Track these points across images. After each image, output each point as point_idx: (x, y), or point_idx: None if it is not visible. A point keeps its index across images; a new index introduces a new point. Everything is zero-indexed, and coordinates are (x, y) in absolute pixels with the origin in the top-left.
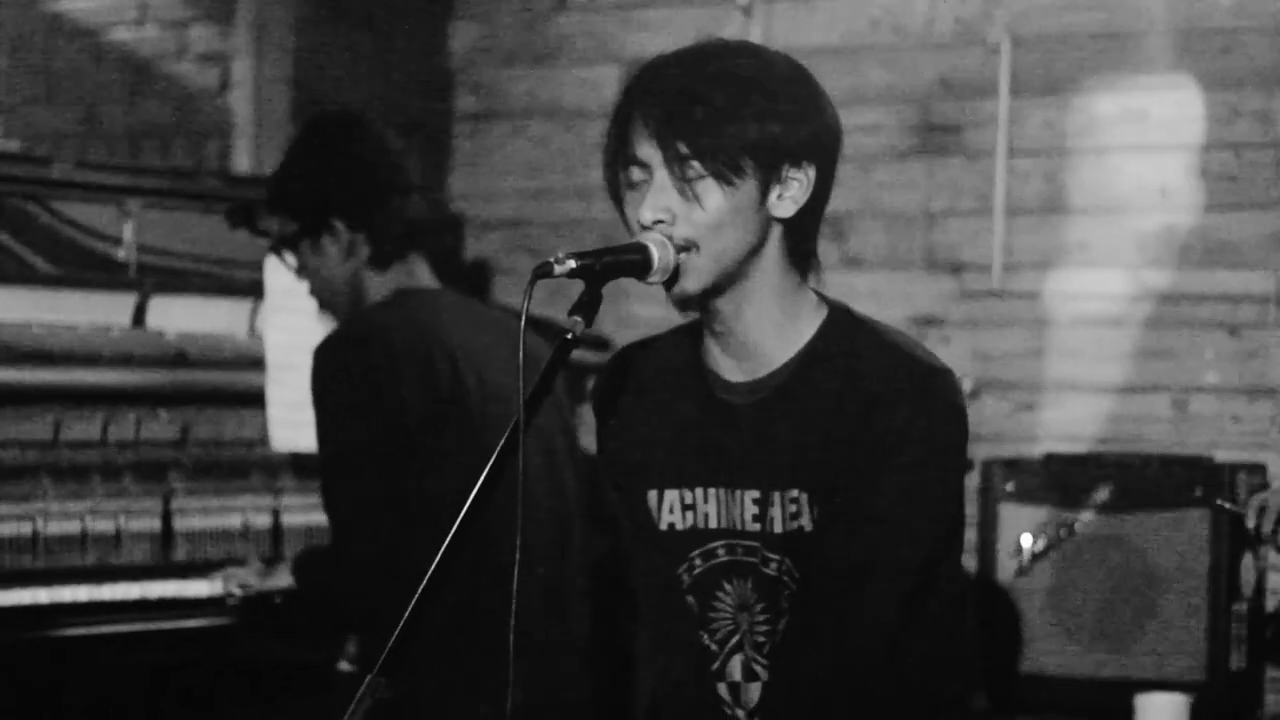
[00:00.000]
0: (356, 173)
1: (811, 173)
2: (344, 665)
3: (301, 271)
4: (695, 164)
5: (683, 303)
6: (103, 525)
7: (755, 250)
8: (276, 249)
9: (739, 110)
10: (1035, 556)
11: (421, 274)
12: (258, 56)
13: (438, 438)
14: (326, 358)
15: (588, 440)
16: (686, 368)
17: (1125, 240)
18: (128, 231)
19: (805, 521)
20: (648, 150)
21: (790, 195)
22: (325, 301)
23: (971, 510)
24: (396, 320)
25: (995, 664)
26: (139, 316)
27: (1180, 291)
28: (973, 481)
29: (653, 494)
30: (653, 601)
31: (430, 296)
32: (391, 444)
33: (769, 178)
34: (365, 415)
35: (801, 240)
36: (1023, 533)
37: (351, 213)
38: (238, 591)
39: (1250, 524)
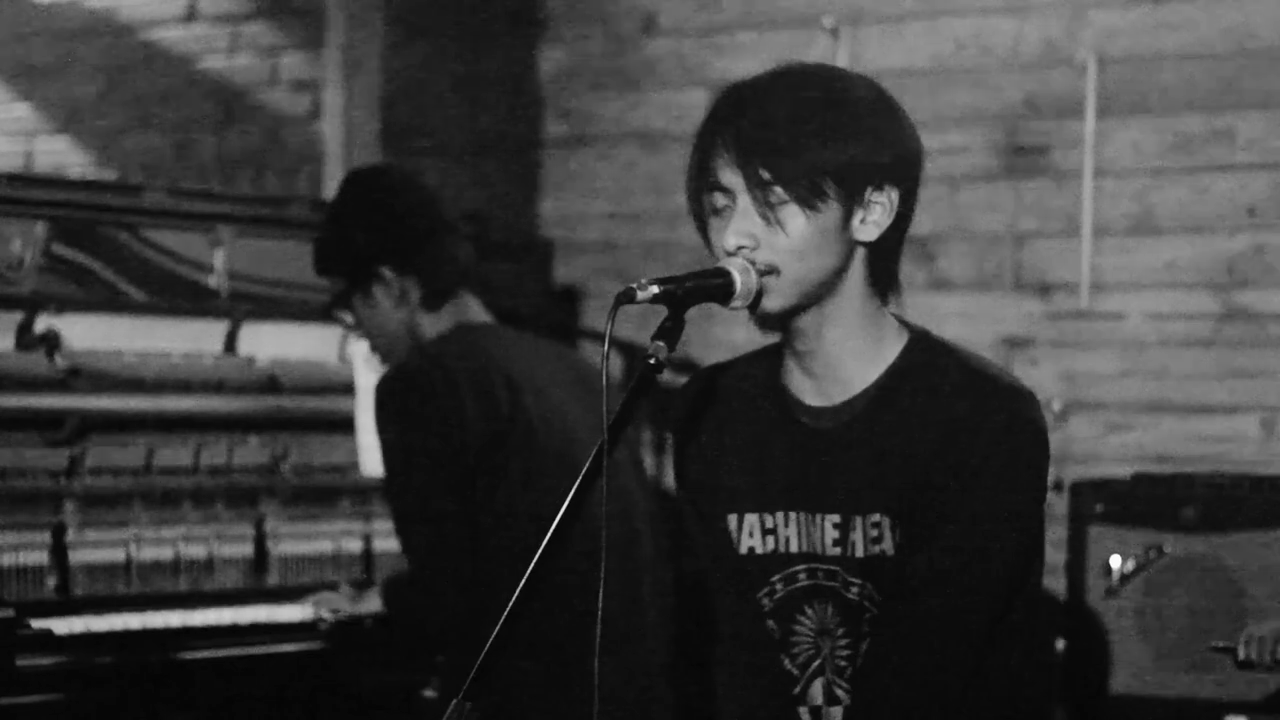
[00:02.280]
0: (394, 218)
1: (894, 196)
2: (429, 692)
3: (359, 327)
4: (777, 189)
5: (764, 322)
6: (195, 551)
7: (838, 274)
8: (331, 310)
9: (820, 134)
10: (1124, 577)
11: (475, 310)
12: (348, 84)
13: (500, 462)
14: (388, 391)
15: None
16: (766, 391)
17: (1213, 260)
18: (219, 259)
19: (887, 546)
20: (730, 176)
21: (873, 219)
22: (387, 353)
23: (1061, 532)
24: (454, 350)
25: (1084, 685)
26: (230, 343)
27: (1268, 311)
28: (1062, 503)
29: (732, 517)
30: (733, 626)
31: (486, 330)
32: (456, 470)
33: (851, 201)
34: (429, 444)
35: (884, 263)
36: (1112, 554)
37: (397, 257)
38: (329, 616)
39: (1241, 656)
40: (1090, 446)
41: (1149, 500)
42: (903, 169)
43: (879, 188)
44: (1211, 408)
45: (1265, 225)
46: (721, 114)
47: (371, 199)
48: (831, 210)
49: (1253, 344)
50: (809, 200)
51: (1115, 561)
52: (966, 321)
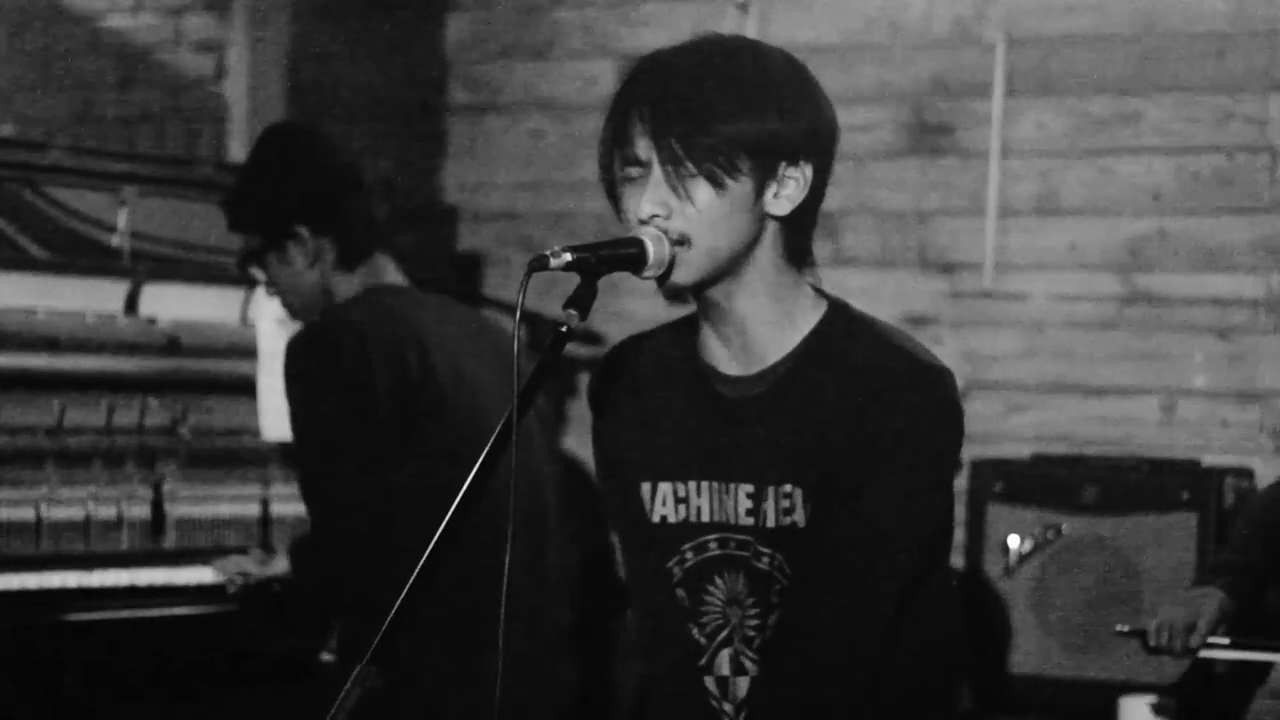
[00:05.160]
0: (313, 176)
1: (808, 171)
2: (325, 655)
3: (271, 285)
4: (689, 163)
5: (673, 294)
6: (93, 512)
7: (749, 246)
8: (244, 265)
9: (735, 108)
10: (1022, 557)
11: (389, 272)
12: (253, 45)
13: (410, 424)
14: (298, 351)
15: (580, 436)
16: (683, 361)
17: (1117, 242)
18: (122, 218)
19: (799, 517)
20: (644, 147)
21: (786, 194)
22: (298, 310)
23: (959, 511)
24: (365, 312)
25: (981, 664)
26: (132, 304)
27: (1171, 294)
28: (961, 482)
29: (645, 486)
30: (642, 594)
31: (400, 292)
32: (365, 431)
33: (765, 176)
34: (338, 404)
35: (797, 237)
36: (1010, 533)
37: (313, 216)
38: (238, 579)
39: (1152, 643)
40: (991, 426)
41: (1048, 481)
42: (818, 144)
43: (793, 163)
44: (1112, 390)
45: (1169, 209)
46: (638, 84)
47: (289, 157)
48: (743, 184)
49: (1154, 327)
50: (717, 176)
51: (1013, 541)
52: (870, 299)
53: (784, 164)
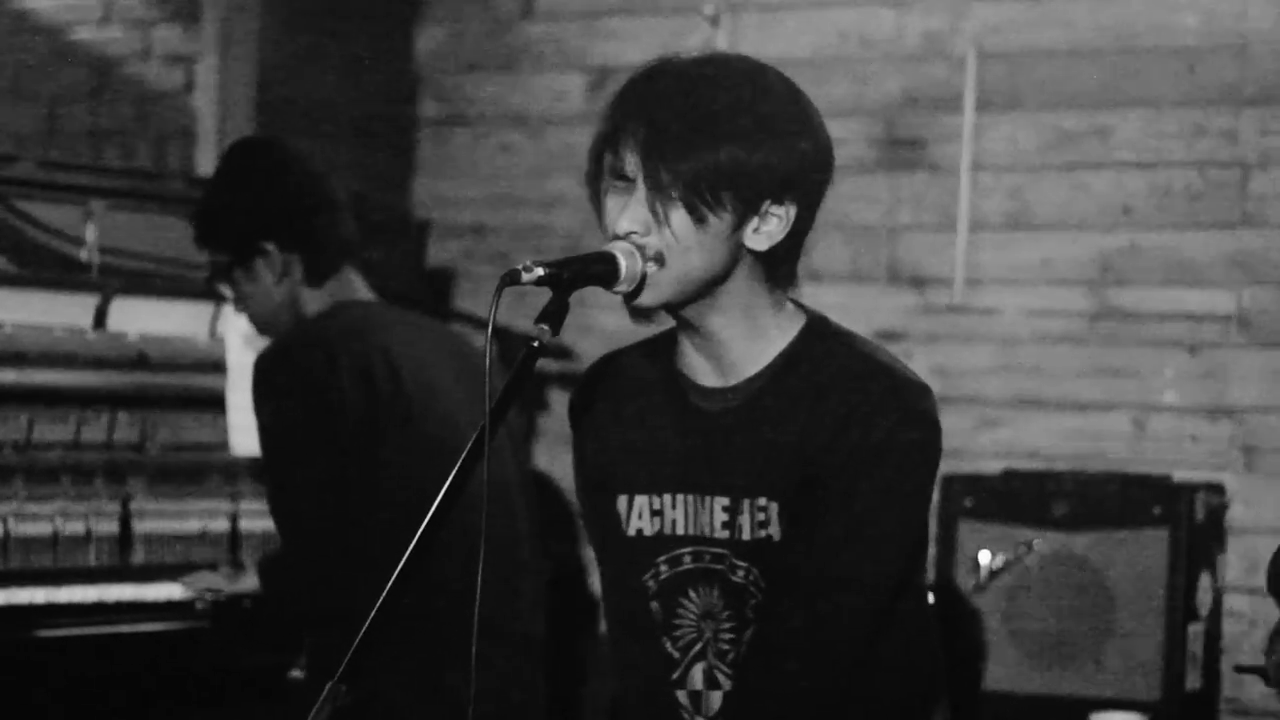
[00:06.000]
0: (281, 192)
1: (791, 212)
2: (295, 672)
3: (239, 301)
4: (673, 192)
5: (639, 314)
6: (62, 527)
7: (724, 274)
8: (211, 282)
9: (727, 138)
10: (993, 573)
11: (357, 287)
12: (223, 58)
13: (378, 440)
14: (266, 368)
15: (551, 452)
16: (660, 373)
17: (1088, 257)
18: (91, 232)
19: (773, 530)
20: (631, 164)
21: (767, 230)
22: (265, 326)
23: (930, 526)
24: (333, 328)
25: (951, 680)
26: (100, 318)
27: (1142, 310)
28: (932, 498)
29: (622, 499)
30: (617, 607)
31: (368, 307)
32: (333, 447)
33: (747, 210)
34: (306, 420)
35: (776, 267)
36: (981, 549)
37: (281, 231)
38: (207, 596)
39: (1274, 678)
40: (961, 441)
41: (1019, 496)
42: (805, 184)
43: (778, 201)
44: (1084, 405)
45: (1140, 224)
46: (637, 98)
47: (257, 172)
48: (723, 218)
49: (1126, 342)
50: (698, 209)
51: (984, 557)
52: (840, 314)
53: (768, 201)
